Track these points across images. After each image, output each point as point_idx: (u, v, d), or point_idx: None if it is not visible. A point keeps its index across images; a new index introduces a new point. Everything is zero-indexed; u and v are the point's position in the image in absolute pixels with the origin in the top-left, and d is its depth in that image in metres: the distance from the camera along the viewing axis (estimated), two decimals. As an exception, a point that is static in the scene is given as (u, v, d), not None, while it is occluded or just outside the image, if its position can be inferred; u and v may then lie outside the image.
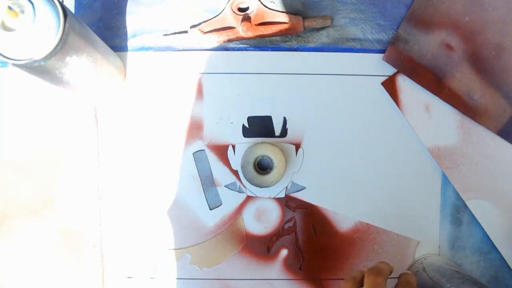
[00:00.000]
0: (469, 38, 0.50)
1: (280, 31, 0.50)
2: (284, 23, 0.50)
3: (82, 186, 0.51)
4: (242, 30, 0.49)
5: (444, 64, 0.50)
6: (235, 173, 0.51)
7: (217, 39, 0.50)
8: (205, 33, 0.50)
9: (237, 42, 0.51)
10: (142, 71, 0.51)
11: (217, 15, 0.50)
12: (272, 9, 0.50)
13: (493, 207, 0.50)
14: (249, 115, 0.51)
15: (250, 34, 0.48)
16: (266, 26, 0.50)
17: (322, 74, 0.51)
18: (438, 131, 0.51)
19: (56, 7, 0.34)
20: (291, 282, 0.51)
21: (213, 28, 0.50)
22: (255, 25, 0.49)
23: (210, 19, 0.50)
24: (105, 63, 0.44)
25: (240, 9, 0.50)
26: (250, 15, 0.49)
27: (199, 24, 0.50)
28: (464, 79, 0.50)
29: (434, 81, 0.50)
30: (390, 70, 0.51)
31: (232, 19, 0.50)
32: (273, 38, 0.51)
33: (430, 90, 0.50)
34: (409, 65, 0.50)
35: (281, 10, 0.51)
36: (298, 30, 0.50)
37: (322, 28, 0.51)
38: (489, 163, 0.51)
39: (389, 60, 0.51)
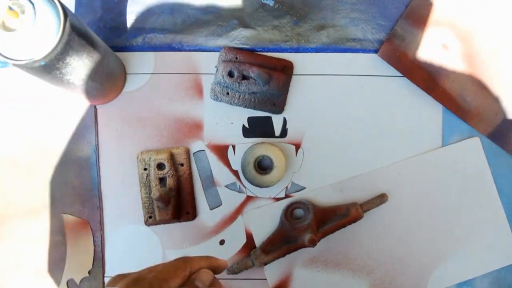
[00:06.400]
0: (465, 39, 0.50)
1: (343, 224, 0.49)
2: (345, 215, 0.49)
3: (81, 186, 0.51)
4: (310, 245, 0.48)
5: (439, 64, 0.50)
6: (235, 173, 0.51)
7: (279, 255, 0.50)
8: (267, 254, 0.49)
9: (237, 42, 0.51)
10: (142, 71, 0.51)
11: (275, 231, 0.50)
12: (326, 206, 0.50)
13: None
14: (249, 116, 0.51)
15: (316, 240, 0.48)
16: (329, 227, 0.49)
17: (322, 74, 0.51)
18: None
19: (57, 7, 0.35)
20: (291, 282, 0.51)
21: (275, 247, 0.50)
22: (318, 232, 0.49)
23: (269, 237, 0.50)
24: (105, 63, 0.44)
25: (295, 217, 0.50)
26: (309, 223, 0.48)
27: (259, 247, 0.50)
28: (457, 80, 0.50)
29: (428, 80, 0.50)
30: (390, 70, 0.51)
31: (291, 231, 0.49)
32: (273, 38, 0.51)
33: (423, 89, 0.50)
34: (404, 62, 0.50)
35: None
36: (359, 217, 0.49)
37: (322, 28, 0.51)
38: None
39: (385, 56, 0.51)
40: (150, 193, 0.50)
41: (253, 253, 0.50)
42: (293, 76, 0.51)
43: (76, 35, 0.37)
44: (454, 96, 0.50)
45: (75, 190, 0.51)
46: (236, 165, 0.51)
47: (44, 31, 0.34)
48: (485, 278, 0.51)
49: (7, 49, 0.34)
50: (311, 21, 0.51)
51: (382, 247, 0.51)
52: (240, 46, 0.51)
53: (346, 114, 0.51)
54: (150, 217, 0.50)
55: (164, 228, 0.51)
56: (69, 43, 0.36)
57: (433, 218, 0.51)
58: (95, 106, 0.51)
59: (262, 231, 0.51)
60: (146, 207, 0.50)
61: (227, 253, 0.51)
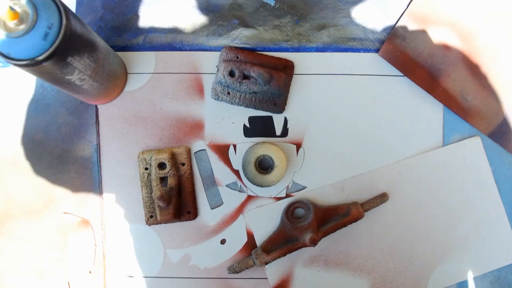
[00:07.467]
0: (466, 39, 0.50)
1: (344, 224, 0.49)
2: (345, 214, 0.49)
3: (82, 185, 0.51)
4: (311, 245, 0.47)
5: (439, 63, 0.50)
6: (236, 172, 0.51)
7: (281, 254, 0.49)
8: (268, 253, 0.49)
9: (238, 42, 0.51)
10: (143, 71, 0.51)
11: (276, 230, 0.50)
12: (327, 206, 0.50)
13: None
14: (250, 115, 0.51)
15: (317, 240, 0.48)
16: (330, 226, 0.49)
17: (323, 73, 0.51)
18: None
19: (58, 7, 0.34)
20: (292, 281, 0.52)
21: (276, 247, 0.50)
22: (319, 231, 0.49)
23: (270, 236, 0.50)
24: (106, 63, 0.44)
25: (296, 216, 0.50)
26: (310, 222, 0.48)
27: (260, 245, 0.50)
28: (458, 80, 0.50)
29: (429, 80, 0.50)
30: (390, 70, 0.51)
31: (292, 230, 0.49)
32: (274, 37, 0.51)
33: (424, 88, 0.50)
34: (405, 61, 0.50)
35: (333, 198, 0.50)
36: (360, 216, 0.49)
37: (323, 28, 0.51)
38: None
39: (385, 56, 0.51)
40: (151, 193, 0.50)
41: (254, 253, 0.50)
42: (294, 76, 0.51)
43: (77, 35, 0.36)
44: (455, 96, 0.50)
45: (76, 189, 0.51)
46: (237, 164, 0.51)
47: (45, 31, 0.34)
48: (486, 278, 0.52)
49: (8, 49, 0.34)
50: (312, 20, 0.51)
51: (383, 247, 0.51)
52: (241, 45, 0.51)
53: (347, 113, 0.51)
54: (151, 216, 0.50)
55: (165, 227, 0.51)
56: (70, 43, 0.36)
57: (433, 218, 0.51)
58: (96, 106, 0.51)
59: (263, 230, 0.51)
60: (147, 207, 0.50)
61: (228, 252, 0.51)
